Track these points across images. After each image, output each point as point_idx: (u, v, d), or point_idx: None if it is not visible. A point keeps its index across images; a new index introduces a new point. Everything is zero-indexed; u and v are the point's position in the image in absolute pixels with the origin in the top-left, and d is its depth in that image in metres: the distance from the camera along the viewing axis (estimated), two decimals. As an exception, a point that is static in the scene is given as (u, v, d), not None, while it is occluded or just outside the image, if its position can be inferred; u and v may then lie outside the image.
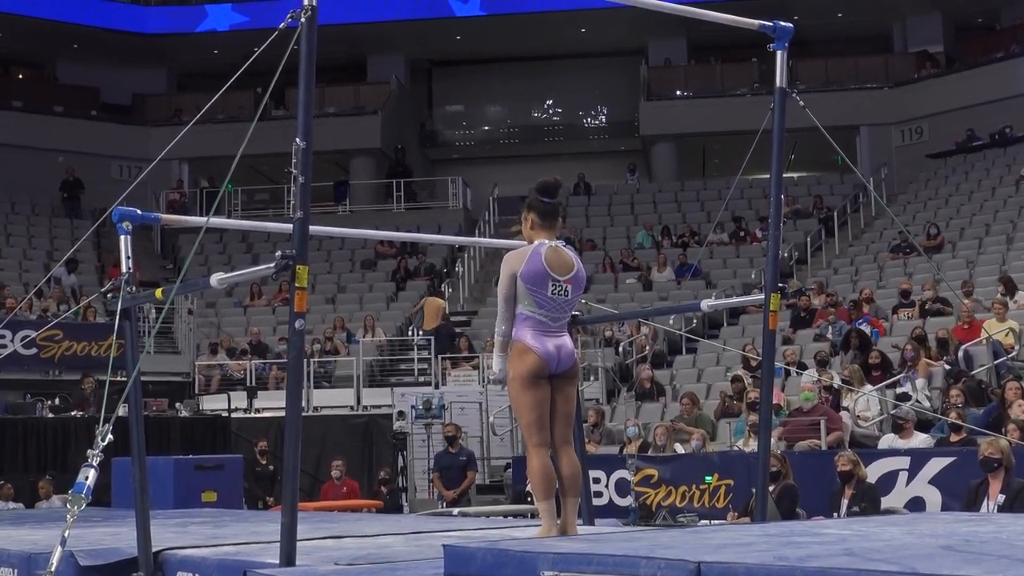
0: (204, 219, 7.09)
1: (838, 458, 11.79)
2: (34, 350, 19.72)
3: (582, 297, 7.11)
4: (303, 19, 6.01)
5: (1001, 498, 10.20)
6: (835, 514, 11.44)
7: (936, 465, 12.48)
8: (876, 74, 31.66)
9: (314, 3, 5.99)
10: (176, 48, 33.62)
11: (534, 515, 13.19)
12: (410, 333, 23.01)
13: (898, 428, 13.42)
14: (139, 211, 7.74)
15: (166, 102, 33.67)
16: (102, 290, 8.43)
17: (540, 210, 6.51)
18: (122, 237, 7.57)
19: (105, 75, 33.78)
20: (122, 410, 7.11)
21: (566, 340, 6.49)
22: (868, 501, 11.36)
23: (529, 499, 13.59)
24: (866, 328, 18.13)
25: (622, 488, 14.41)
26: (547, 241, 6.44)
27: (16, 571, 8.05)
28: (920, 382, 15.21)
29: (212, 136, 26.14)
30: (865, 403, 14.99)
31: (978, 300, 18.75)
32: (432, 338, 21.82)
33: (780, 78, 7.58)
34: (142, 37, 32.87)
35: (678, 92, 32.77)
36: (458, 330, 22.77)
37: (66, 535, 5.84)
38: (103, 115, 32.79)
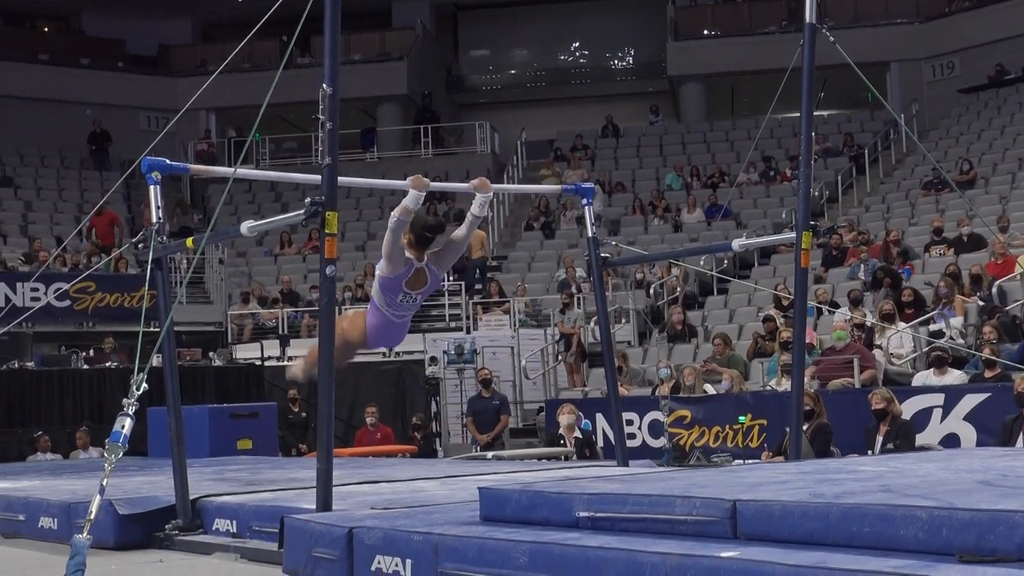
0: (232, 170, 7.08)
1: (872, 395, 11.76)
2: (67, 302, 19.80)
3: (613, 240, 7.41)
4: (327, -36, 5.97)
5: (1037, 433, 10.16)
6: (869, 451, 11.43)
7: (971, 401, 12.44)
8: (906, 8, 31.28)
9: (338, -52, 5.95)
10: (200, -3, 33.57)
11: (567, 457, 13.23)
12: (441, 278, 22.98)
13: (940, 363, 13.34)
14: (168, 161, 7.74)
15: (192, 52, 33.60)
16: (133, 240, 8.46)
17: (419, 237, 7.42)
18: (151, 187, 7.58)
19: (131, 26, 33.74)
20: (156, 360, 7.15)
21: (402, 331, 7.88)
22: (903, 438, 11.35)
23: (562, 441, 13.63)
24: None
25: (655, 429, 14.43)
26: (415, 263, 7.43)
27: (56, 520, 8.15)
28: (956, 320, 15.12)
29: (239, 85, 26.10)
30: (899, 341, 14.93)
31: (1013, 235, 18.60)
32: (463, 282, 21.92)
33: (809, 14, 7.52)
34: (167, -14, 32.83)
35: (705, 31, 32.48)
36: (489, 275, 22.80)
37: (104, 484, 5.89)
38: (129, 67, 32.78)
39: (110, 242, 22.93)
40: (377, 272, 7.59)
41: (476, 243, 22.85)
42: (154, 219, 7.65)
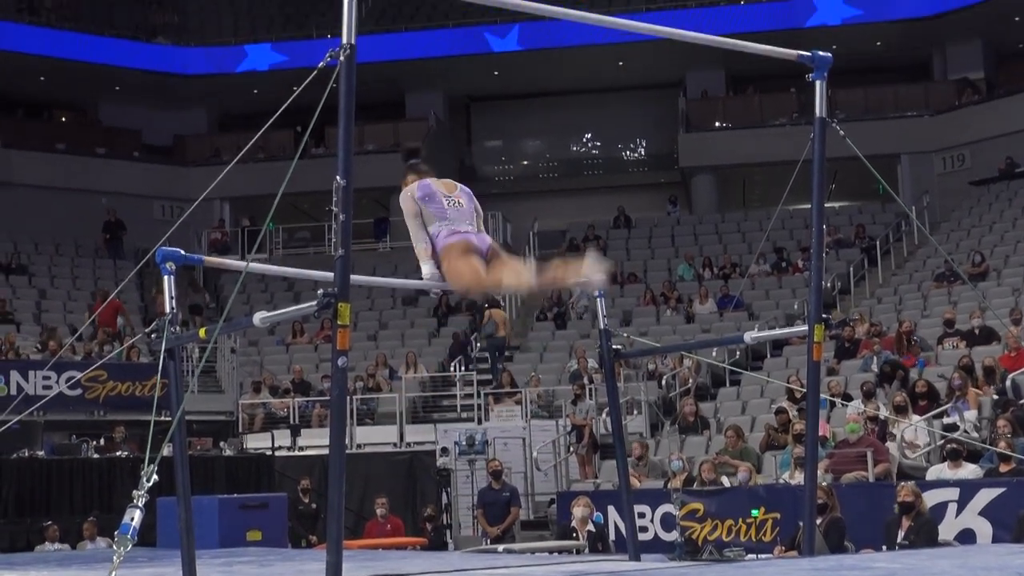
0: (244, 263, 7.12)
1: (901, 488, 11.68)
2: (79, 391, 19.80)
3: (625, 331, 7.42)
4: (342, 58, 6.03)
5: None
6: (884, 547, 11.32)
7: (986, 496, 12.35)
8: (916, 102, 31.50)
9: (352, 42, 6.00)
10: (216, 89, 33.85)
11: (579, 551, 13.12)
12: (453, 368, 23.01)
13: (954, 456, 13.25)
14: (182, 251, 7.77)
15: (207, 142, 33.91)
16: (146, 330, 8.47)
17: (415, 168, 7.92)
18: (165, 278, 7.61)
19: (147, 116, 34.10)
20: (166, 450, 7.12)
21: (483, 235, 7.38)
22: (924, 535, 11.22)
23: (575, 534, 13.52)
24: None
25: (667, 523, 14.32)
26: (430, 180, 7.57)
27: (63, 613, 8.07)
28: (971, 413, 15.05)
29: (253, 175, 26.29)
30: (912, 433, 14.85)
31: (1025, 328, 18.56)
32: (490, 355, 22.17)
33: (820, 108, 7.55)
34: (183, 78, 33.13)
35: (717, 123, 32.71)
36: (499, 366, 22.82)
37: (112, 576, 5.84)
38: (145, 156, 33.06)
39: (113, 330, 23.03)
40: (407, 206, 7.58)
41: (500, 322, 23.05)
42: (167, 309, 7.66)
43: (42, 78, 32.15)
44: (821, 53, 7.51)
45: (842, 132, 7.58)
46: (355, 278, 6.71)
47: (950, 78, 31.89)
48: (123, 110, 34.00)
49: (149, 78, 32.80)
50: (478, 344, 24.09)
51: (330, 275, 6.40)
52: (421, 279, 7.41)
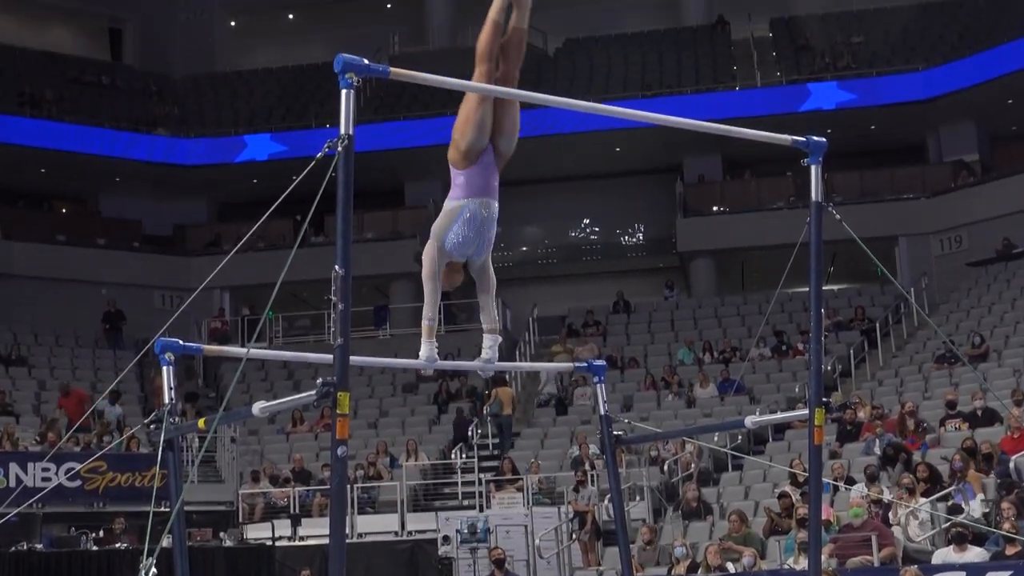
0: (244, 350, 7.12)
1: (905, 572, 11.61)
2: (78, 482, 19.72)
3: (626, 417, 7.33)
4: (340, 148, 6.07)
5: (1061, 612, 9.97)
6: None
7: (993, 579, 12.25)
8: (912, 184, 31.65)
9: (351, 132, 6.05)
10: (216, 179, 34.04)
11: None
12: (454, 456, 22.92)
13: (960, 539, 13.16)
14: (181, 342, 7.78)
15: (207, 231, 34.05)
16: (145, 421, 8.45)
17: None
18: (164, 368, 7.61)
19: (146, 207, 34.26)
20: (166, 541, 7.07)
21: None
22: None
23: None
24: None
25: (672, 610, 14.19)
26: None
27: None
28: (977, 501, 14.96)
29: (252, 264, 26.34)
30: (907, 518, 14.77)
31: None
32: (497, 433, 22.26)
33: (815, 192, 7.58)
34: (183, 169, 33.31)
35: (714, 208, 32.83)
36: (496, 452, 22.78)
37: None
38: (145, 246, 33.15)
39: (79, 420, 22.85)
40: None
41: (506, 400, 23.14)
42: (166, 400, 7.65)
43: (43, 170, 32.37)
44: (816, 138, 7.55)
45: (838, 216, 7.60)
46: (354, 359, 6.71)
47: (945, 160, 32.08)
48: (123, 201, 34.16)
49: (149, 169, 33.00)
50: (479, 431, 24.00)
51: (329, 357, 6.40)
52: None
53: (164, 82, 36.86)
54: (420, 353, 7.32)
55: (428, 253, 7.24)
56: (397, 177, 33.73)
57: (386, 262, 31.40)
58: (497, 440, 23.72)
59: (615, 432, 9.27)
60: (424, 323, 7.28)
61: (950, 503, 15.02)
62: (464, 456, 22.77)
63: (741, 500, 18.90)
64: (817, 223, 7.51)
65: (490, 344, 7.60)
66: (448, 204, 7.24)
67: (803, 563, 12.95)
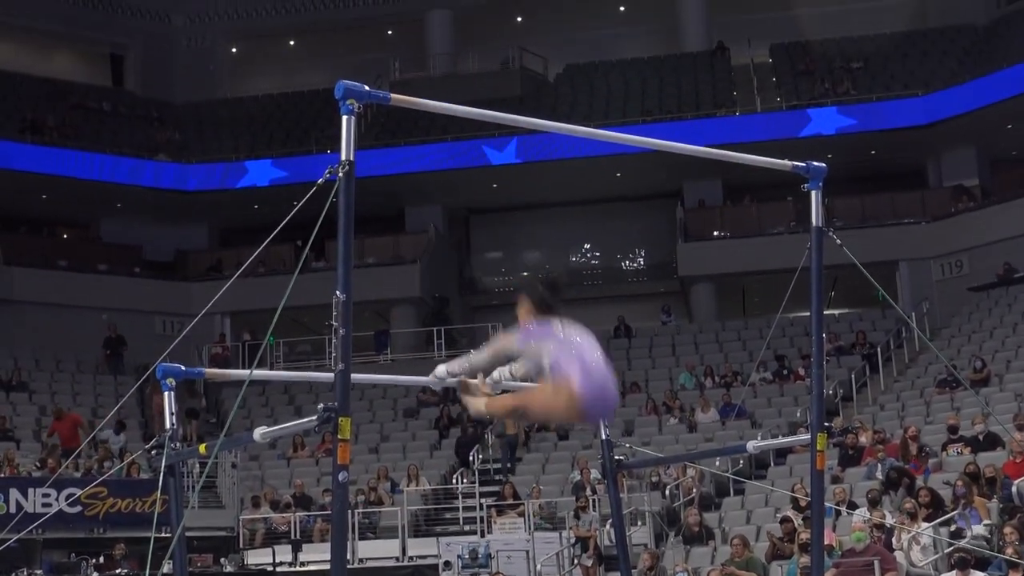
0: (247, 372, 7.11)
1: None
2: (79, 508, 19.68)
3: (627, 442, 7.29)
4: (341, 174, 6.08)
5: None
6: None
7: (996, 604, 12.20)
8: (913, 209, 31.69)
9: (351, 158, 6.06)
10: (217, 204, 34.08)
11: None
12: (455, 480, 22.89)
13: (963, 564, 13.14)
14: (182, 367, 7.78)
15: (208, 257, 34.06)
16: (147, 447, 8.45)
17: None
18: (166, 394, 7.61)
19: (148, 232, 34.28)
20: (167, 567, 7.06)
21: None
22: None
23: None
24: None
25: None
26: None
27: None
28: (980, 526, 14.93)
29: (253, 289, 26.34)
30: (908, 544, 14.74)
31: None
32: (503, 454, 22.69)
33: (816, 218, 7.59)
34: (184, 195, 33.36)
35: (715, 233, 32.84)
36: (498, 476, 22.74)
37: None
38: (146, 272, 33.17)
39: (75, 445, 22.70)
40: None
41: (510, 421, 23.15)
42: (167, 425, 7.65)
43: (44, 196, 32.43)
44: (816, 164, 7.56)
45: (839, 240, 7.60)
46: (356, 377, 6.70)
47: (946, 185, 32.13)
48: (124, 226, 34.20)
49: (150, 195, 33.06)
50: (480, 456, 23.98)
51: (330, 376, 6.40)
52: (420, 389, 7.35)
53: (165, 108, 36.98)
54: (437, 367, 7.17)
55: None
56: (398, 202, 33.78)
57: (387, 287, 31.40)
58: (499, 465, 23.69)
59: (616, 457, 9.26)
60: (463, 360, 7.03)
61: (953, 528, 15.00)
62: (465, 481, 22.74)
63: (743, 525, 18.86)
64: (818, 248, 7.51)
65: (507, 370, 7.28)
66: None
67: (805, 588, 12.93)
